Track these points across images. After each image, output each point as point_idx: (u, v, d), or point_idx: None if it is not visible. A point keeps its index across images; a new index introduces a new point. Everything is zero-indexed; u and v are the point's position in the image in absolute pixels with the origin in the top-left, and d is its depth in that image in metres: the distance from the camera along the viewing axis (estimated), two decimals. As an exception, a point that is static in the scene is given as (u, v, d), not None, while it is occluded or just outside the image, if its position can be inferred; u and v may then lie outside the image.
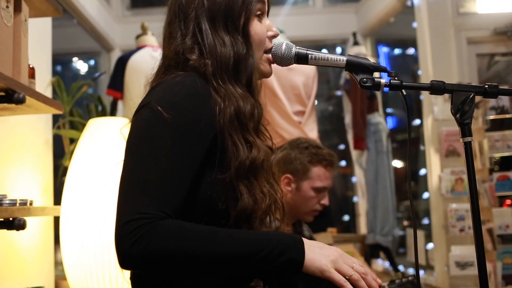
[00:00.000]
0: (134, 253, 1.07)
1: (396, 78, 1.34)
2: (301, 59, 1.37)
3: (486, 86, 1.33)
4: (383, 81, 1.34)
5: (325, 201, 2.36)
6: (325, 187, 2.34)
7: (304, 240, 1.19)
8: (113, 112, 3.84)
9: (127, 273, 1.28)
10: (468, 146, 1.31)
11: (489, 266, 3.55)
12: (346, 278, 1.17)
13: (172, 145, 1.15)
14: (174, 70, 1.29)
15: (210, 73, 1.26)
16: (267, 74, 1.40)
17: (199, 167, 1.19)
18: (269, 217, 1.32)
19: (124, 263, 1.11)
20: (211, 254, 1.11)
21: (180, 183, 1.15)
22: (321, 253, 1.17)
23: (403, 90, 1.34)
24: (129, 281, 1.30)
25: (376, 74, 1.37)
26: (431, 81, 1.34)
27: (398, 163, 5.68)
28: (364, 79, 1.34)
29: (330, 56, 1.37)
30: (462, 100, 1.30)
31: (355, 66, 1.35)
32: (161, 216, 1.10)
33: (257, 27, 1.34)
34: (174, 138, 1.15)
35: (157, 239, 1.07)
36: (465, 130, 1.30)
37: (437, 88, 1.32)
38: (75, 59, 6.01)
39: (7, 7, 1.83)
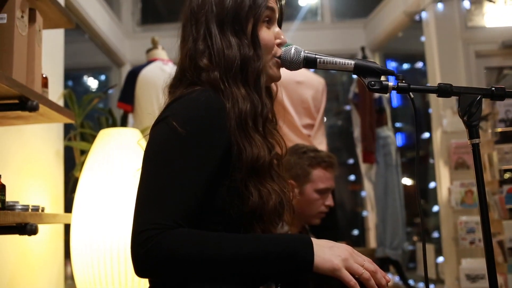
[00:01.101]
0: (146, 261, 1.14)
1: (403, 81, 1.36)
2: (310, 63, 1.39)
3: (493, 88, 1.34)
4: (390, 84, 1.35)
5: (330, 201, 2.38)
6: (328, 188, 2.37)
7: (314, 240, 1.20)
8: (123, 125, 3.87)
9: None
10: (476, 148, 1.31)
11: (500, 279, 3.52)
12: (356, 277, 1.18)
13: (185, 159, 1.20)
14: (189, 77, 1.35)
15: (218, 79, 1.30)
16: (276, 78, 1.43)
17: (212, 179, 1.23)
18: (279, 219, 1.33)
19: (138, 271, 1.17)
20: (220, 256, 1.14)
21: (192, 195, 1.19)
22: (331, 252, 1.18)
23: (410, 93, 1.35)
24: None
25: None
26: (439, 83, 1.35)
27: (408, 181, 5.66)
28: (372, 82, 1.35)
29: (339, 60, 1.39)
30: (469, 103, 1.32)
31: (363, 69, 1.37)
32: (173, 226, 1.15)
33: (264, 33, 1.38)
34: (188, 152, 1.20)
35: (167, 246, 1.12)
36: (473, 132, 1.32)
37: (444, 90, 1.34)
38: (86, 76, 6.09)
39: (22, 16, 1.88)
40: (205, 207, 1.23)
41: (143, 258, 1.13)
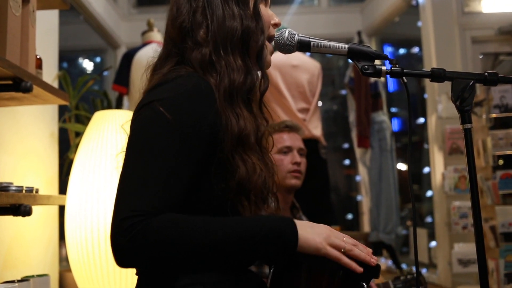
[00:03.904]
0: (129, 250, 1.08)
1: (397, 66, 1.36)
2: (304, 46, 1.38)
3: (486, 73, 1.34)
4: (384, 68, 1.35)
5: (296, 159, 2.46)
6: (288, 147, 2.47)
7: (296, 221, 1.20)
8: (118, 107, 3.87)
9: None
10: (468, 133, 1.32)
11: (491, 264, 3.55)
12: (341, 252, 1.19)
13: (172, 145, 1.15)
14: (177, 53, 1.31)
15: (209, 53, 1.27)
16: (267, 65, 1.40)
17: (199, 166, 1.19)
18: (267, 192, 1.32)
19: (120, 260, 1.11)
20: (205, 242, 1.11)
21: (178, 182, 1.14)
22: (313, 231, 1.19)
23: (404, 77, 1.35)
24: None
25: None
26: (432, 68, 1.36)
27: (402, 166, 5.68)
28: (366, 66, 1.35)
29: (332, 43, 1.38)
30: (462, 87, 1.32)
31: (357, 53, 1.36)
32: (155, 212, 1.10)
33: (263, 11, 1.37)
34: (175, 139, 1.16)
35: (150, 234, 1.07)
36: (465, 117, 1.32)
37: (437, 75, 1.34)
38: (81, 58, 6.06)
39: (16, -3, 1.86)
40: (194, 193, 1.20)
41: (126, 247, 1.07)
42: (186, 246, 1.10)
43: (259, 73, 1.34)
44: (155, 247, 1.08)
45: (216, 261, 1.15)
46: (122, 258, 1.10)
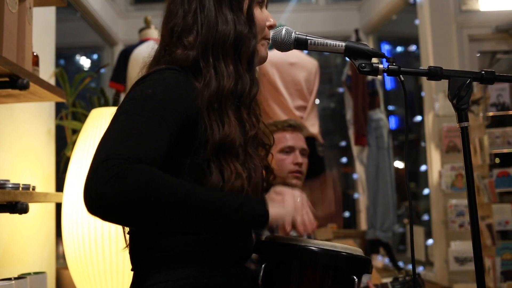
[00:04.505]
0: (106, 193, 1.03)
1: (394, 64, 1.36)
2: (301, 44, 1.39)
3: (483, 72, 1.35)
4: (381, 66, 1.35)
5: (298, 159, 2.46)
6: (290, 147, 2.46)
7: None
8: (115, 105, 3.86)
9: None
10: (464, 131, 1.32)
11: (488, 262, 3.56)
12: None
13: (149, 110, 1.15)
14: (168, 54, 1.31)
15: (195, 58, 1.27)
16: (263, 58, 1.41)
17: (174, 138, 1.18)
18: None
19: (93, 206, 1.05)
20: (183, 200, 1.09)
21: (156, 140, 1.13)
22: (281, 209, 1.22)
23: (401, 76, 1.35)
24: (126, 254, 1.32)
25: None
26: (429, 66, 1.36)
27: (399, 164, 5.70)
28: (363, 64, 1.35)
29: (329, 41, 1.38)
30: (459, 86, 1.32)
31: (354, 51, 1.36)
32: (136, 160, 1.07)
33: (258, 13, 1.38)
34: (154, 104, 1.16)
35: (131, 176, 1.04)
36: (462, 115, 1.32)
37: (434, 73, 1.34)
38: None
39: (12, -7, 1.86)
40: None
41: (103, 190, 1.02)
42: (163, 191, 1.07)
43: (250, 78, 1.34)
44: (133, 192, 1.04)
45: (184, 221, 1.12)
46: (97, 202, 1.04)
